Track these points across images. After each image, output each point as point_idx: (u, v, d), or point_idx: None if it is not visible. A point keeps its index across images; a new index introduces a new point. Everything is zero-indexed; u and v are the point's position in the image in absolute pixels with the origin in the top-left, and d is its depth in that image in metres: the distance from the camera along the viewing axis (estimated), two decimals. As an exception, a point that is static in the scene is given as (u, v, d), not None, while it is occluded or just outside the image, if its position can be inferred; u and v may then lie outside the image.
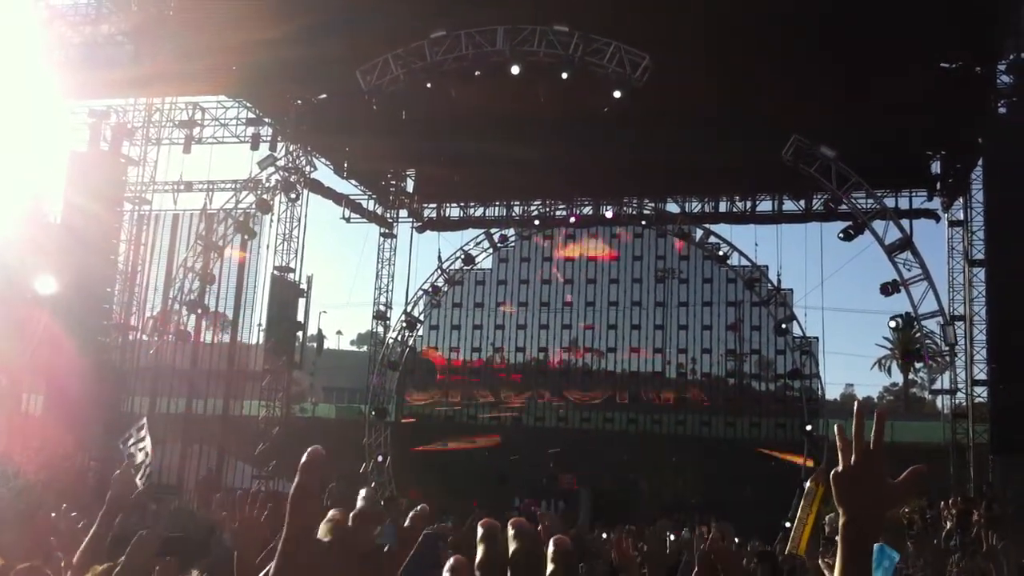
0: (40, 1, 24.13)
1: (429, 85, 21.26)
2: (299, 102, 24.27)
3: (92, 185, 25.21)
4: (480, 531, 1.07)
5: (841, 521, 1.88)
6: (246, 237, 27.47)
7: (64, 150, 26.28)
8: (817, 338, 27.94)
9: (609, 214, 29.01)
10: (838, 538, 1.89)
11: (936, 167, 25.96)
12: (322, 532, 1.10)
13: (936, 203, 26.39)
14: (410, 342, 31.22)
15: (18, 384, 25.32)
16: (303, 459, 1.12)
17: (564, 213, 30.10)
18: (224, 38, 20.59)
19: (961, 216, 25.36)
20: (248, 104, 26.61)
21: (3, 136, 25.56)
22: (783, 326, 27.53)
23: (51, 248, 24.98)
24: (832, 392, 44.07)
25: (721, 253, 28.25)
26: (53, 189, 26.61)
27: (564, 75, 20.56)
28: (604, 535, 13.71)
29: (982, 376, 23.18)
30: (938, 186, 26.09)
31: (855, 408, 1.86)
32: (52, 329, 23.55)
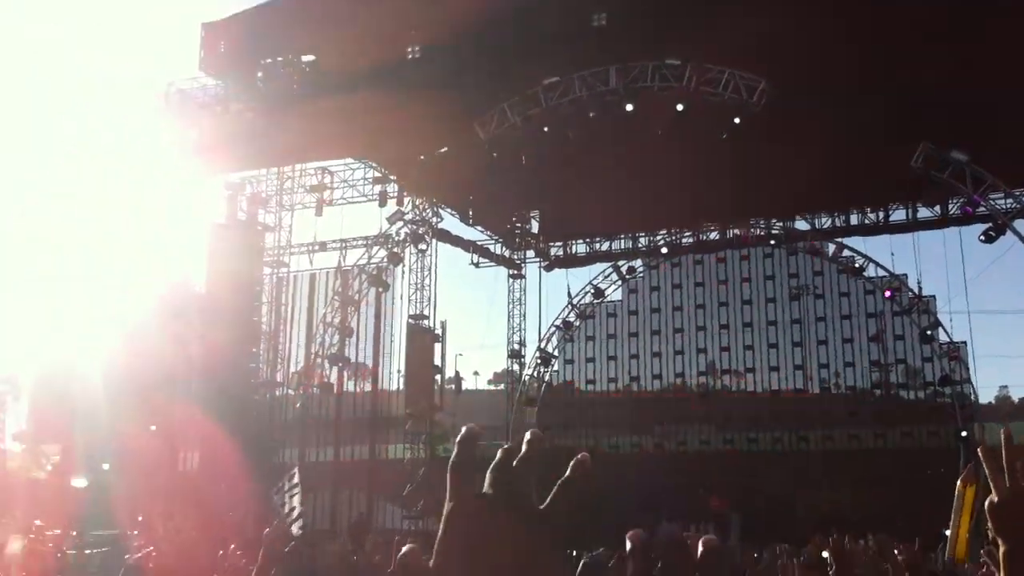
0: (171, 87, 25.41)
1: (546, 129, 21.54)
2: (422, 157, 24.88)
3: (232, 253, 26.27)
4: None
5: (1001, 551, 1.87)
6: (380, 290, 28.22)
7: (205, 223, 27.52)
8: (965, 342, 27.05)
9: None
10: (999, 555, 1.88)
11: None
12: (486, 484, 1.19)
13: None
14: (546, 377, 31.46)
15: (174, 444, 26.53)
16: (459, 435, 1.26)
17: (691, 240, 29.93)
18: (346, 103, 21.31)
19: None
20: (373, 164, 27.43)
21: (147, 216, 26.99)
22: (928, 333, 26.73)
23: (198, 315, 26.19)
24: (986, 395, 42.24)
25: (857, 265, 27.63)
26: (197, 261, 27.88)
27: (680, 107, 20.56)
28: (756, 555, 13.60)
29: None
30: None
31: (1002, 436, 1.83)
32: (205, 388, 24.63)
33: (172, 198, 27.85)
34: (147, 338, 26.39)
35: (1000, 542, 1.79)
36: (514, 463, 1.16)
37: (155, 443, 26.07)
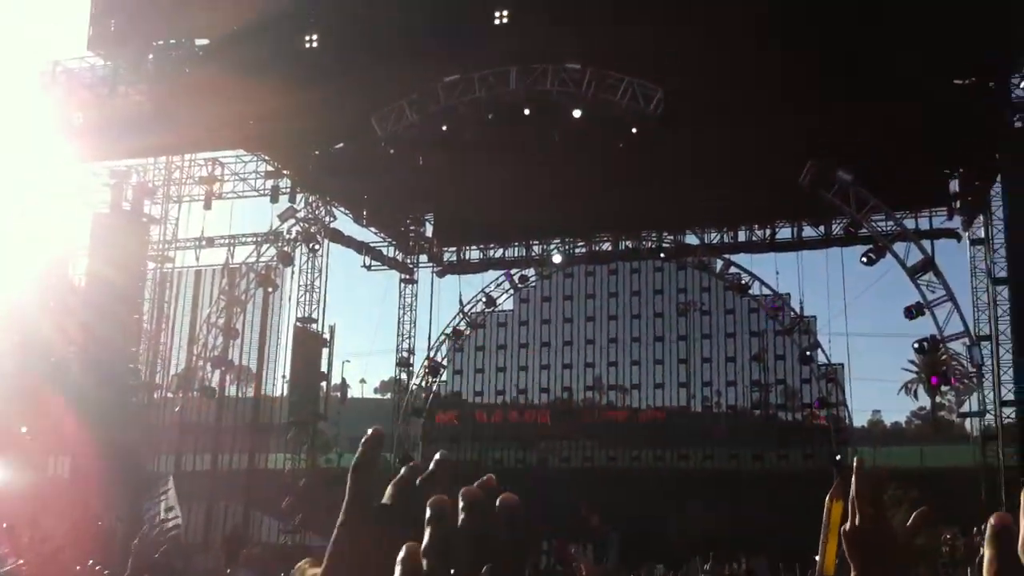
0: (57, 66, 24.49)
1: (445, 128, 21.45)
2: (316, 152, 24.49)
3: (115, 246, 25.42)
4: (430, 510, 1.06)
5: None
6: (268, 290, 27.61)
7: (87, 213, 26.56)
8: (843, 365, 27.84)
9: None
10: None
11: (954, 186, 25.84)
12: (386, 496, 1.13)
13: (956, 222, 26.22)
14: (434, 388, 31.19)
15: (44, 448, 25.39)
16: (366, 435, 1.16)
17: (583, 250, 30.15)
18: (239, 92, 20.85)
19: (982, 234, 25.18)
20: (266, 157, 26.85)
21: (26, 200, 25.89)
22: (808, 354, 27.38)
23: (77, 309, 25.18)
24: (859, 419, 43.68)
25: (742, 283, 28.21)
26: (78, 252, 26.87)
27: (576, 113, 20.72)
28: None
29: (1010, 396, 22.82)
30: (957, 205, 25.94)
31: (854, 466, 1.85)
32: (79, 390, 23.65)
33: (53, 183, 26.75)
34: (23, 329, 25.25)
35: (853, 568, 1.78)
36: (417, 481, 1.09)
37: (25, 444, 24.91)
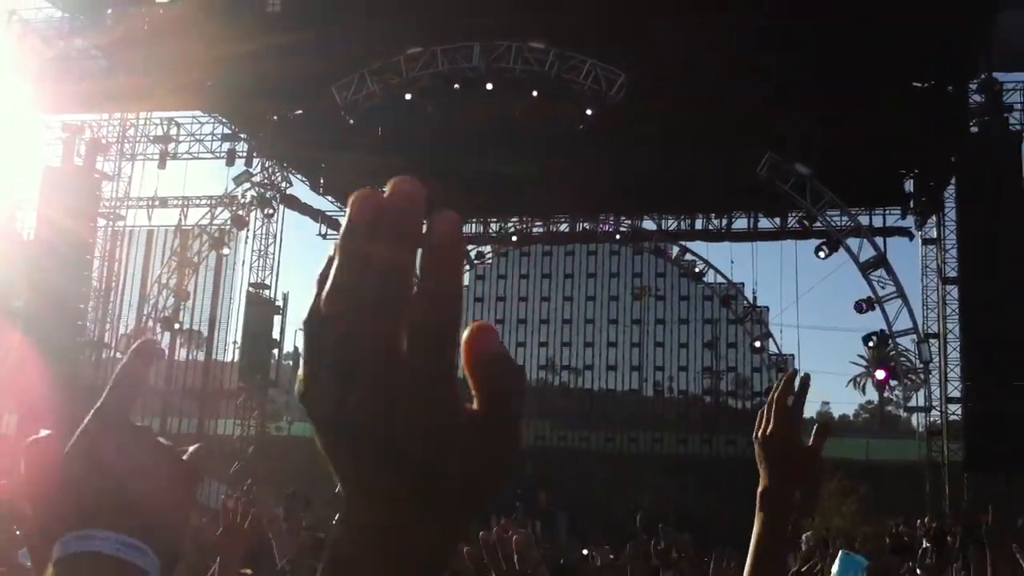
0: (13, 15, 23.96)
1: (408, 97, 21.25)
2: (275, 118, 24.17)
3: (66, 201, 24.97)
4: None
5: (760, 488, 1.85)
6: (222, 253, 27.30)
7: (38, 165, 26.07)
8: (793, 355, 28.06)
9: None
10: (759, 511, 1.85)
11: (909, 186, 26.08)
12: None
13: (910, 221, 26.52)
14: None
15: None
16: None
17: (541, 230, 30.09)
18: (199, 53, 20.54)
19: (934, 234, 25.48)
20: (224, 120, 26.47)
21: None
22: (759, 344, 27.57)
23: (24, 264, 24.76)
24: (808, 410, 44.10)
25: (697, 270, 28.32)
26: (28, 205, 26.40)
27: (535, 92, 20.61)
28: (584, 552, 13.65)
29: (956, 394, 23.19)
30: (911, 204, 26.22)
31: (785, 376, 1.82)
32: (25, 347, 23.30)
33: (3, 134, 26.23)
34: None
35: (762, 478, 1.83)
36: None
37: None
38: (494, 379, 0.66)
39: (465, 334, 0.66)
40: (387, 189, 0.63)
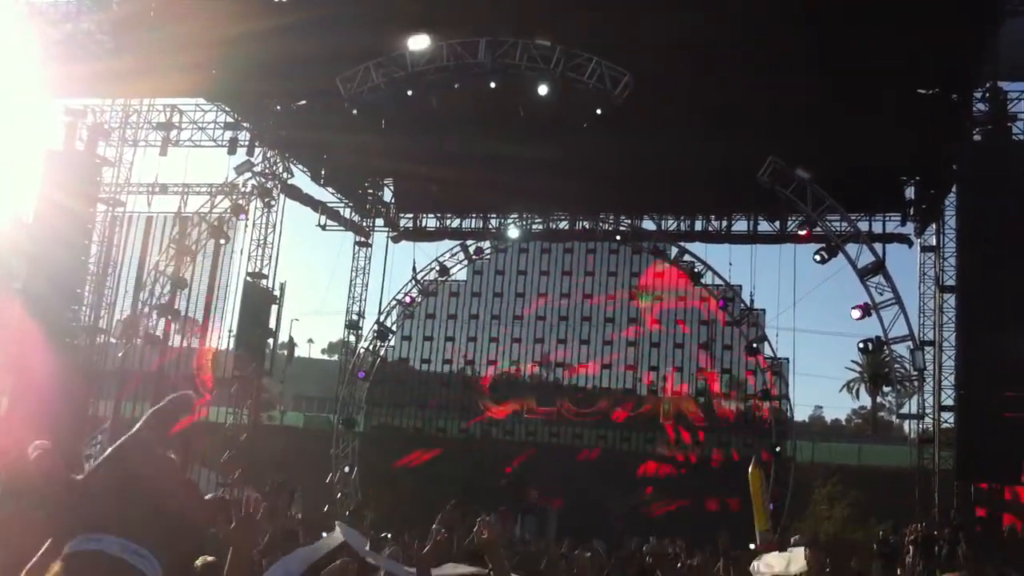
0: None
1: (410, 93, 21.20)
2: (278, 107, 24.14)
3: (66, 184, 24.91)
4: None
5: None
6: (221, 242, 27.26)
7: (41, 148, 25.97)
8: (788, 359, 28.12)
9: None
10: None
11: (910, 192, 26.14)
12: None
13: (909, 228, 26.59)
14: (381, 352, 31.08)
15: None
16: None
17: (541, 227, 30.10)
18: (204, 37, 20.47)
19: (933, 242, 25.55)
20: (226, 108, 26.42)
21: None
22: (754, 346, 27.62)
23: (24, 246, 24.71)
24: (801, 413, 44.27)
25: (696, 271, 28.36)
26: (29, 187, 26.30)
27: (543, 90, 20.57)
28: (576, 551, 13.68)
29: (950, 402, 23.24)
30: (911, 211, 26.28)
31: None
32: (23, 327, 23.27)
33: (7, 116, 26.10)
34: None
35: None
36: None
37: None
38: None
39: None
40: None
